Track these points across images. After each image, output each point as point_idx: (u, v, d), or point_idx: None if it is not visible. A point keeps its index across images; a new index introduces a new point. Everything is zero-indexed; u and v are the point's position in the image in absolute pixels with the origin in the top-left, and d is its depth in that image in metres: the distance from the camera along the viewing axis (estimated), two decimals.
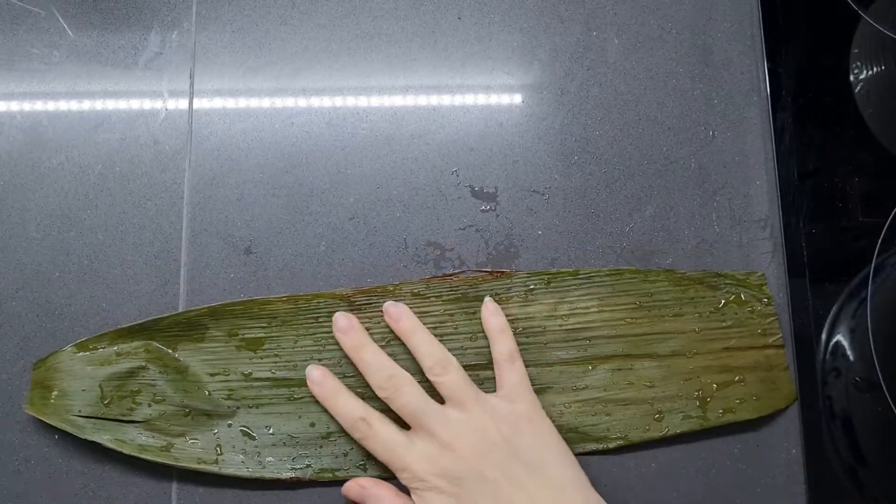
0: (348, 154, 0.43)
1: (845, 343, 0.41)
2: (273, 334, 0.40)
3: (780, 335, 0.41)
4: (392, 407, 0.38)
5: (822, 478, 0.40)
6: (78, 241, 0.42)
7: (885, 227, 0.42)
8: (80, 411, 0.39)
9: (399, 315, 0.40)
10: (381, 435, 0.37)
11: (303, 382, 0.40)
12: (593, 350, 0.41)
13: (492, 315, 0.40)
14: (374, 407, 0.38)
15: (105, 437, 0.39)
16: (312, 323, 0.41)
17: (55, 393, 0.39)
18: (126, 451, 0.38)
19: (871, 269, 0.42)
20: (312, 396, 0.40)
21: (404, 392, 0.37)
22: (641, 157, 0.44)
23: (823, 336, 0.41)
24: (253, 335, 0.40)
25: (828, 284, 0.42)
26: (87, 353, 0.40)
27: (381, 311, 0.40)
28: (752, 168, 0.44)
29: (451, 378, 0.37)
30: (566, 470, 0.36)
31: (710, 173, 0.43)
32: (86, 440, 0.39)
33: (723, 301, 0.41)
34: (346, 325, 0.40)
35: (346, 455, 0.39)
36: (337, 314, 0.40)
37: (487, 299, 0.40)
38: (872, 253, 0.42)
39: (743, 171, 0.43)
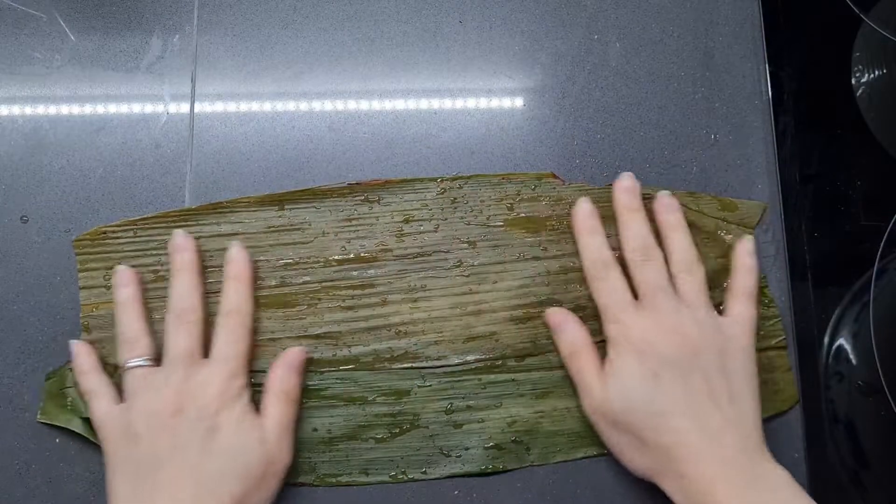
0: (350, 158, 0.43)
1: (848, 347, 0.41)
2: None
3: (783, 337, 0.41)
4: (634, 274, 0.38)
5: (825, 481, 0.40)
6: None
7: (888, 230, 0.42)
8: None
9: (672, 207, 0.40)
10: (614, 282, 0.38)
11: (305, 387, 0.40)
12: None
13: (748, 254, 0.40)
14: None
15: None
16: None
17: (70, 399, 0.39)
18: None
19: (874, 273, 0.42)
20: (315, 400, 0.40)
21: (653, 265, 0.38)
22: (643, 160, 0.43)
23: (826, 340, 0.41)
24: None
25: (830, 288, 0.42)
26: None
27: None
28: (754, 172, 0.44)
29: (696, 279, 0.38)
30: (756, 409, 0.36)
31: (712, 177, 0.43)
32: (87, 445, 0.39)
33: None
34: (628, 186, 0.40)
35: (348, 459, 0.39)
36: (623, 174, 0.41)
37: (747, 238, 0.41)
38: (875, 256, 0.42)
39: (745, 175, 0.43)
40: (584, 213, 0.40)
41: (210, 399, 0.35)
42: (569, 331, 0.39)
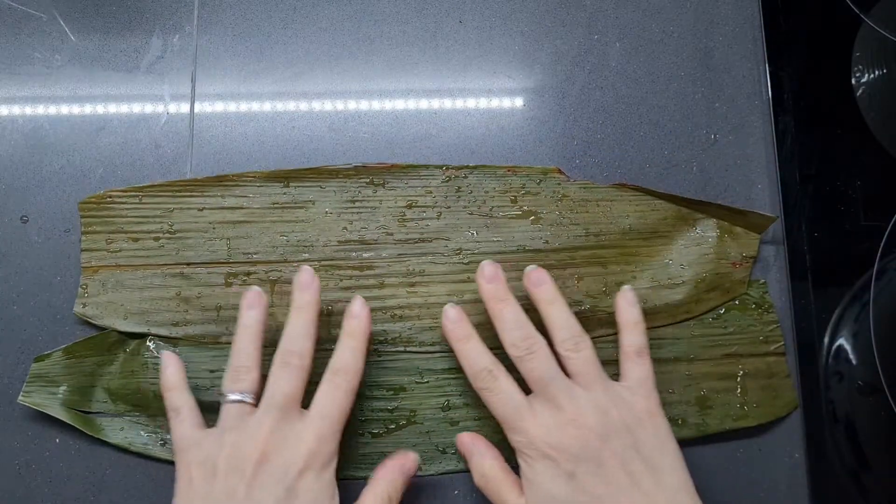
0: (350, 158, 0.43)
1: (848, 347, 0.41)
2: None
3: (782, 342, 0.41)
4: (521, 368, 0.36)
5: (825, 482, 0.40)
6: (79, 245, 0.42)
7: (888, 230, 0.42)
8: (88, 407, 0.40)
9: (540, 280, 0.38)
10: (503, 390, 0.36)
11: None
12: None
13: (629, 306, 0.38)
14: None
15: (111, 436, 0.39)
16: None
17: (63, 388, 0.39)
18: (133, 448, 0.39)
19: (874, 273, 0.42)
20: (310, 387, 0.40)
21: (538, 356, 0.36)
22: (643, 160, 0.43)
23: (826, 340, 0.41)
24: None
25: (830, 288, 0.42)
26: (93, 350, 0.40)
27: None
28: (754, 171, 0.44)
29: (584, 355, 0.36)
30: (681, 475, 0.35)
31: (712, 177, 0.43)
32: (87, 445, 0.39)
33: (724, 308, 0.41)
34: (491, 274, 0.38)
35: (343, 453, 0.39)
36: (484, 262, 0.38)
37: (626, 287, 0.39)
38: (875, 256, 0.42)
39: (745, 175, 0.43)
40: (452, 319, 0.38)
41: (298, 456, 0.34)
42: (477, 455, 0.37)
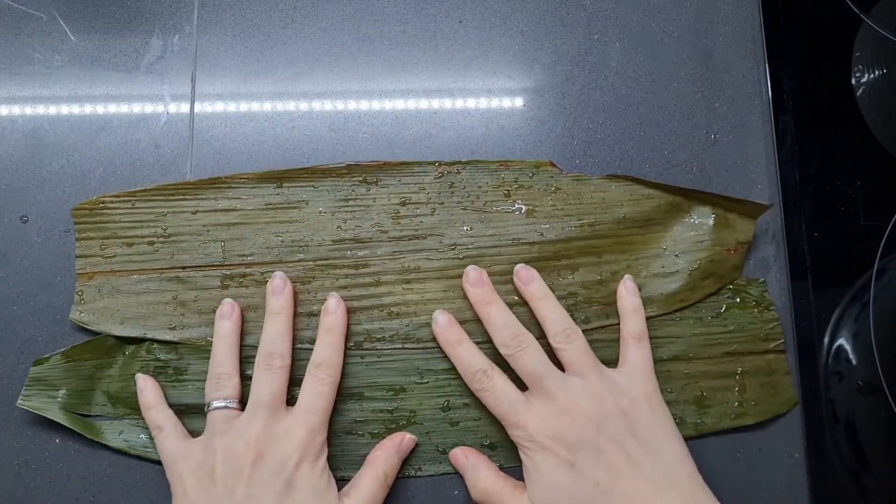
0: (350, 158, 0.43)
1: (848, 347, 0.41)
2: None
3: (782, 340, 0.41)
4: (513, 366, 0.37)
5: (825, 482, 0.40)
6: None
7: (888, 230, 0.42)
8: (87, 410, 0.40)
9: (530, 278, 0.40)
10: (499, 388, 0.37)
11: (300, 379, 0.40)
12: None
13: (630, 294, 0.40)
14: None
15: (111, 439, 0.39)
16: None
17: (62, 392, 0.39)
18: (133, 451, 0.39)
19: (874, 273, 0.42)
20: None
21: (528, 352, 0.37)
22: (643, 160, 0.43)
23: (826, 340, 0.41)
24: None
25: (830, 288, 0.42)
26: (92, 353, 0.40)
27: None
28: (754, 171, 0.44)
29: (576, 346, 0.37)
30: (679, 454, 0.36)
31: (712, 177, 0.43)
32: (87, 445, 0.39)
33: (724, 306, 0.41)
34: (475, 279, 0.40)
35: (343, 454, 0.40)
36: (468, 267, 0.40)
37: (627, 277, 0.40)
38: (875, 256, 0.42)
39: (744, 175, 0.43)
40: (441, 325, 0.39)
41: (291, 450, 0.35)
42: (471, 469, 0.38)
